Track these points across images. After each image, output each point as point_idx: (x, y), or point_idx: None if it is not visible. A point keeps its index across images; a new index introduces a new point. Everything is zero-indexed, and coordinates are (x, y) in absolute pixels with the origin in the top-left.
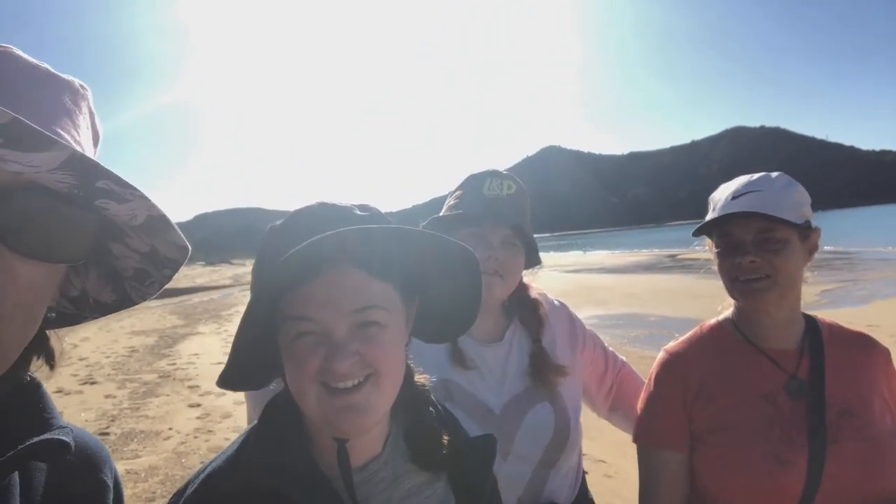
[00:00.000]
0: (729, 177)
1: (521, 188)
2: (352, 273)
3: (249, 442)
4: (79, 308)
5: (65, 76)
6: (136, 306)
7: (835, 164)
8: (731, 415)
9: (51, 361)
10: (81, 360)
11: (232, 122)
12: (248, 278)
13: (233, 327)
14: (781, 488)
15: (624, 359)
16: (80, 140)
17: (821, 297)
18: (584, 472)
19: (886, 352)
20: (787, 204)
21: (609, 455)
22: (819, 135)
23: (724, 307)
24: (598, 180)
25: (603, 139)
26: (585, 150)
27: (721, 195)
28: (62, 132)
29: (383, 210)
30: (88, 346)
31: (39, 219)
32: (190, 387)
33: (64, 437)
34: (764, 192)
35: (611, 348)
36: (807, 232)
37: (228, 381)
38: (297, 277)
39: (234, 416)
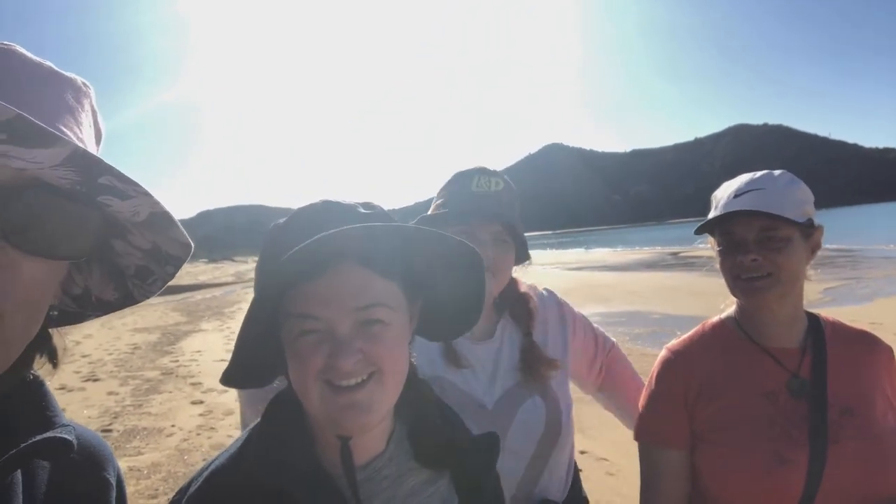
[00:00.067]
0: (732, 174)
1: (509, 184)
2: (355, 271)
3: (253, 440)
4: (81, 306)
5: (67, 74)
6: (139, 303)
7: (838, 161)
8: (733, 413)
9: (54, 360)
10: (84, 356)
11: (234, 120)
12: (251, 275)
13: (235, 324)
14: (782, 487)
15: (614, 340)
16: (83, 137)
17: (824, 295)
18: (579, 469)
19: (889, 350)
20: (789, 202)
21: (610, 453)
22: (822, 132)
23: (727, 305)
24: (601, 178)
25: (605, 137)
26: (588, 148)
27: (723, 193)
28: (65, 129)
29: (385, 207)
30: (91, 343)
31: (42, 215)
32: (192, 384)
33: (67, 436)
34: (766, 191)
35: (586, 312)
36: (809, 230)
37: (232, 378)
38: (300, 275)
39: (236, 413)
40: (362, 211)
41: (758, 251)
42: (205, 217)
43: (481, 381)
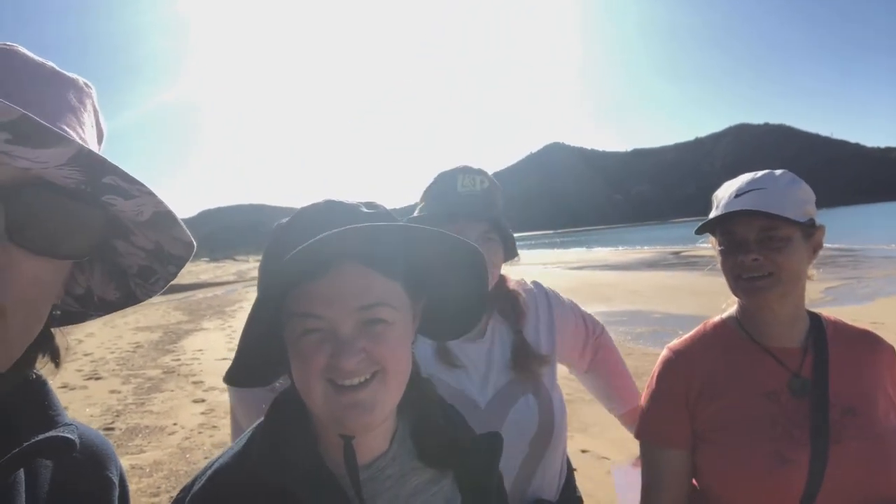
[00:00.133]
0: (733, 174)
1: (493, 181)
2: (358, 270)
3: (256, 439)
4: (84, 306)
5: (69, 74)
6: (141, 303)
7: (839, 161)
8: (734, 413)
9: (56, 359)
10: (86, 355)
11: (235, 120)
12: (252, 274)
13: (237, 323)
14: (783, 487)
15: (603, 325)
16: (85, 137)
17: (825, 295)
18: (573, 469)
19: (891, 349)
20: (790, 202)
21: (611, 452)
22: (823, 132)
23: (728, 305)
24: (602, 177)
25: (606, 136)
26: (589, 147)
27: (724, 193)
28: (68, 129)
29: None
30: (93, 342)
31: (46, 214)
32: (194, 382)
33: (69, 435)
34: (767, 190)
35: (588, 311)
36: (810, 230)
37: (235, 377)
38: (303, 274)
39: None
40: (365, 210)
41: (759, 251)
42: (206, 216)
43: (474, 381)
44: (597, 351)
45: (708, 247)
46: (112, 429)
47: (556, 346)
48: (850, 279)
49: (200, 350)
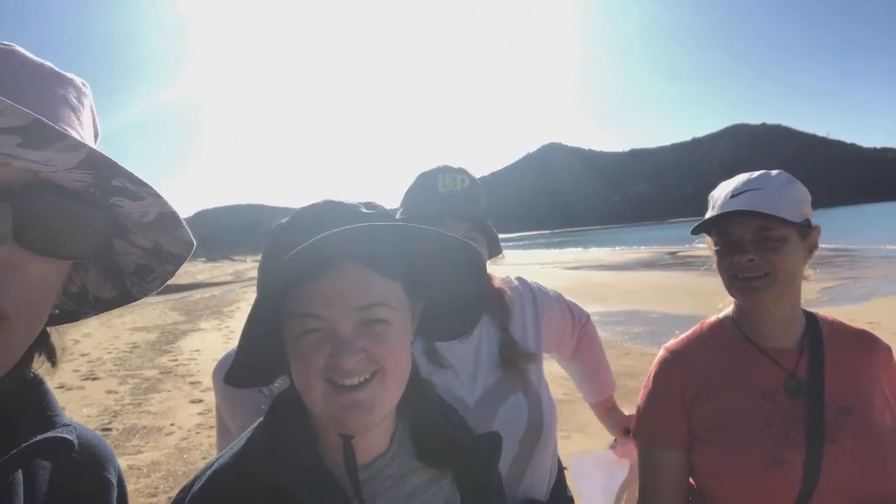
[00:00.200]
0: (730, 174)
1: (474, 180)
2: (358, 270)
3: (256, 439)
4: (78, 304)
5: (68, 74)
6: (138, 302)
7: (836, 161)
8: (730, 413)
9: (52, 358)
10: (83, 355)
11: (233, 120)
12: (249, 274)
13: (234, 323)
14: (778, 487)
15: (588, 313)
16: (85, 137)
17: (821, 295)
18: (563, 468)
19: (888, 349)
20: (786, 202)
21: None
22: (820, 132)
23: (725, 305)
24: (600, 177)
25: (604, 136)
26: (587, 148)
27: (720, 193)
28: (69, 129)
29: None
30: (90, 342)
31: (53, 216)
32: (191, 383)
33: (68, 436)
34: (763, 191)
35: (573, 300)
36: (806, 230)
37: (235, 377)
38: (303, 274)
39: None
40: (364, 211)
41: (755, 251)
42: (203, 216)
43: (462, 380)
44: (581, 340)
45: (704, 247)
46: (109, 429)
47: (543, 340)
48: (846, 279)
49: (198, 350)
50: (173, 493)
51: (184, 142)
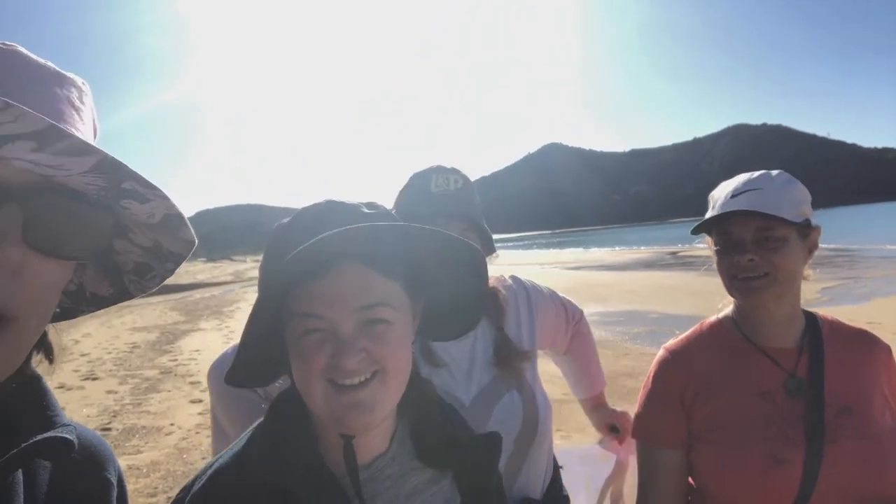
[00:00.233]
0: (731, 174)
1: (467, 179)
2: (359, 270)
3: (256, 439)
4: (76, 302)
5: (68, 74)
6: (138, 302)
7: (836, 161)
8: (730, 413)
9: (50, 356)
10: (83, 355)
11: (233, 120)
12: (249, 274)
13: (234, 323)
14: (777, 487)
15: (582, 310)
16: (86, 136)
17: (822, 295)
18: (559, 467)
19: (888, 348)
20: (786, 202)
21: None
22: (821, 132)
23: (725, 305)
24: (600, 177)
25: (605, 136)
26: (587, 148)
27: (720, 193)
28: (71, 129)
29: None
30: (90, 342)
31: (62, 218)
32: (191, 383)
33: (68, 435)
34: (763, 191)
35: (566, 296)
36: (806, 230)
37: (236, 377)
38: (304, 274)
39: None
40: (366, 211)
41: (755, 251)
42: (203, 216)
43: (457, 379)
44: (574, 337)
45: (704, 247)
46: (109, 429)
47: (538, 338)
48: (846, 279)
49: (197, 350)
50: (173, 493)
51: (184, 142)
